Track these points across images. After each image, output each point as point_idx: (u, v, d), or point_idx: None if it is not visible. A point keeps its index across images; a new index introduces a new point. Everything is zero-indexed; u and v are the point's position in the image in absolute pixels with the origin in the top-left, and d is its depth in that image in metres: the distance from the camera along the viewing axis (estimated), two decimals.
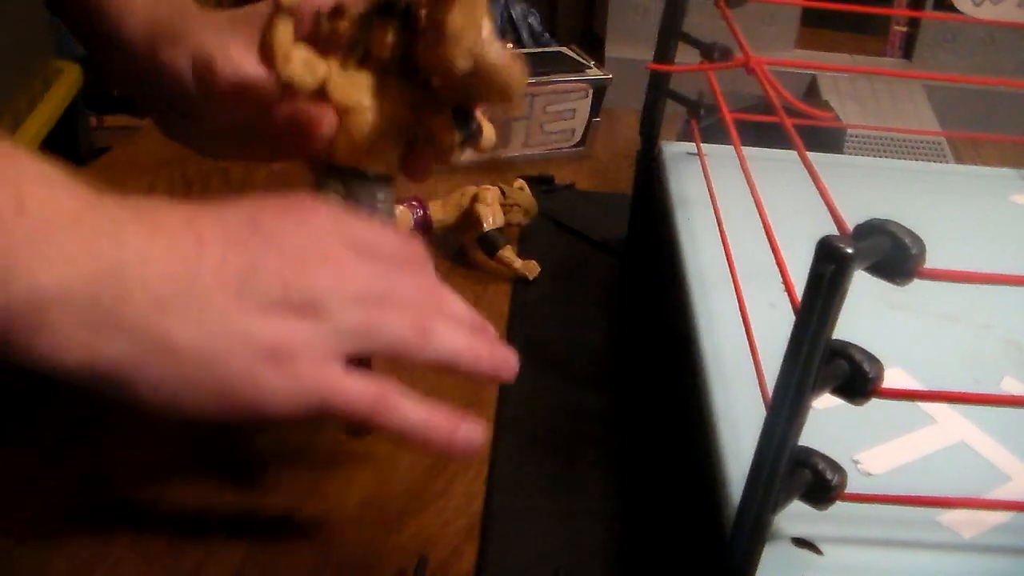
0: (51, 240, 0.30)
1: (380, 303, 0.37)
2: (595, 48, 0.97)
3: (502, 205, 0.64)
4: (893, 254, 0.27)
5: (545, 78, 0.82)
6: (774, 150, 0.58)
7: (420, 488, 0.48)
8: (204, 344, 0.33)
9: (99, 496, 0.46)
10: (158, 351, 0.33)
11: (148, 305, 0.32)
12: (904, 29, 1.02)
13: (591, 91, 0.83)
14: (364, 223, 0.40)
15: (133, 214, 0.33)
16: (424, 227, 0.65)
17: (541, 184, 0.80)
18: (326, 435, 0.51)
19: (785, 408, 0.29)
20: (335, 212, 0.39)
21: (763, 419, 0.30)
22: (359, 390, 0.36)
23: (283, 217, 0.37)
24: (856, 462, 0.39)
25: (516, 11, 0.94)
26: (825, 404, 0.30)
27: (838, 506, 0.32)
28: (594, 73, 0.83)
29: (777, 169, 0.45)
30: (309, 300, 0.35)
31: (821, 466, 0.31)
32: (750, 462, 0.31)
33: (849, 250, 0.26)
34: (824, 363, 0.28)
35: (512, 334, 0.61)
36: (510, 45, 0.45)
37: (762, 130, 0.58)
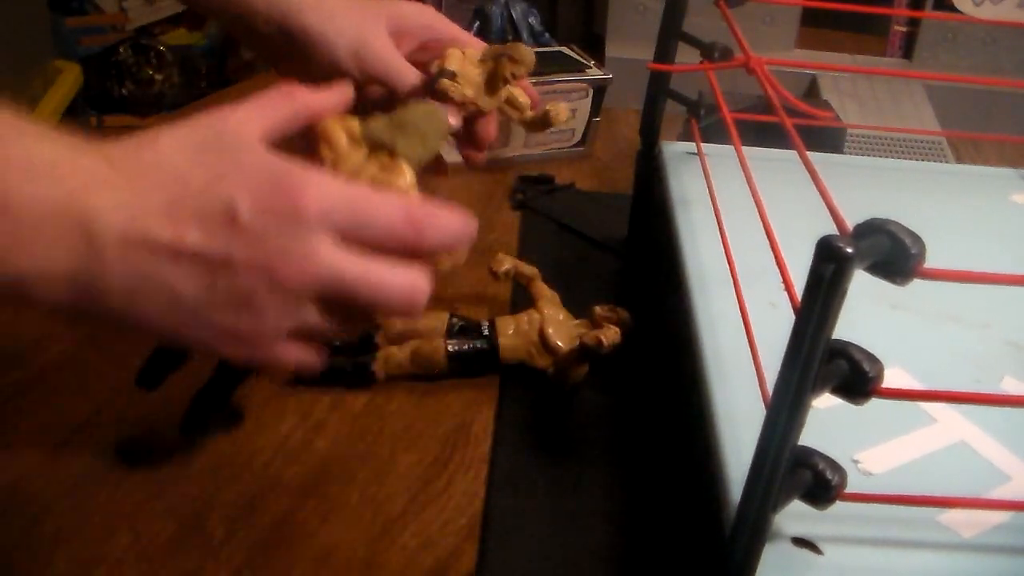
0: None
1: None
2: (595, 48, 0.97)
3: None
4: (893, 254, 0.27)
5: (545, 78, 0.82)
6: (774, 150, 0.58)
7: (420, 488, 0.48)
8: None
9: (99, 496, 0.46)
10: None
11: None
12: (904, 29, 1.02)
13: (591, 91, 0.83)
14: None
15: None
16: None
17: (541, 184, 0.80)
18: (327, 435, 0.51)
19: (785, 408, 0.29)
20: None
21: (763, 418, 0.30)
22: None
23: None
24: (856, 462, 0.39)
25: (516, 11, 0.94)
26: (825, 404, 0.30)
27: (838, 506, 0.32)
28: (594, 73, 0.83)
29: (777, 169, 0.45)
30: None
31: (821, 466, 0.31)
32: (750, 462, 0.31)
33: (849, 250, 0.26)
34: (824, 363, 0.28)
35: None
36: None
37: (762, 130, 0.58)
